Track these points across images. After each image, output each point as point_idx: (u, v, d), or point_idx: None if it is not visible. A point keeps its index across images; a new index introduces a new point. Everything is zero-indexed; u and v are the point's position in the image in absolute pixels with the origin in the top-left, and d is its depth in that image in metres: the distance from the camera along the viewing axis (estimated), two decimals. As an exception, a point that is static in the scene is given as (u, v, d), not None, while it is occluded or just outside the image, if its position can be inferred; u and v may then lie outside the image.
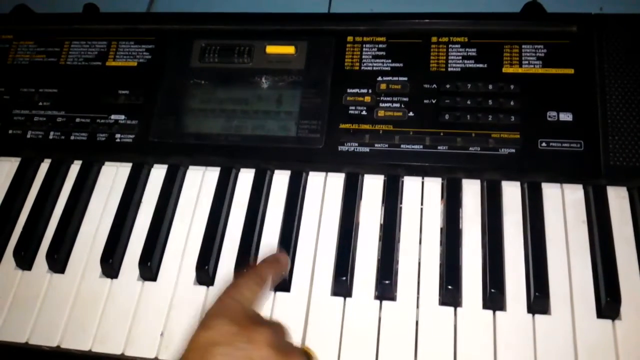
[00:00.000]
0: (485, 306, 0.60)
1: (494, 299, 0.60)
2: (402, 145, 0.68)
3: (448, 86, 0.69)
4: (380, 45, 0.73)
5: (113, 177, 0.73)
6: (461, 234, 0.64)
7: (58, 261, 0.68)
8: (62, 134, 0.74)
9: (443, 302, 0.61)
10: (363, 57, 0.73)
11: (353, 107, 0.70)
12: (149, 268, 0.65)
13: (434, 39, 0.72)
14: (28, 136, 0.75)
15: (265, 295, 0.56)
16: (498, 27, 0.72)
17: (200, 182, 0.72)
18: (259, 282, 0.55)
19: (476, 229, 0.65)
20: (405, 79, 0.71)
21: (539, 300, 0.59)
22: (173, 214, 0.70)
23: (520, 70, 0.69)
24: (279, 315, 0.62)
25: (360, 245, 0.65)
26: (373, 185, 0.69)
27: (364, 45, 0.73)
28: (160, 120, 0.73)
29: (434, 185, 0.68)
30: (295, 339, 0.60)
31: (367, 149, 0.68)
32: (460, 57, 0.71)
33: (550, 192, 0.66)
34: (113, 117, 0.74)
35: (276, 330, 0.50)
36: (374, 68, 0.72)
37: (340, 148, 0.69)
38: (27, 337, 0.64)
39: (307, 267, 0.64)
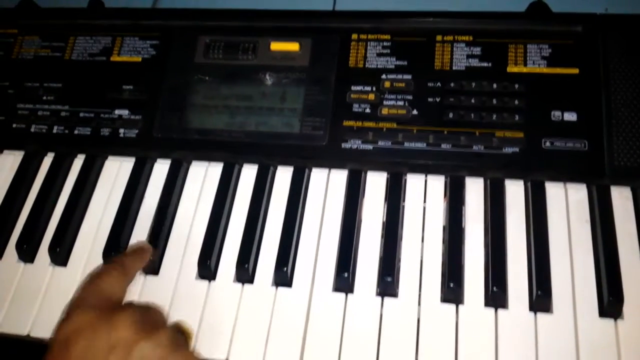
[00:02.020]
0: (487, 304, 0.60)
1: (496, 297, 0.60)
2: (405, 143, 0.68)
3: (452, 85, 0.69)
4: (385, 43, 0.73)
5: (116, 171, 0.73)
6: (464, 232, 0.64)
7: (60, 254, 0.68)
8: (66, 128, 0.75)
9: (445, 299, 0.61)
10: (367, 54, 0.73)
11: (357, 105, 0.70)
12: (151, 262, 0.65)
13: (439, 38, 0.72)
14: (32, 130, 0.75)
15: (128, 282, 0.58)
16: (503, 26, 0.71)
17: (203, 177, 0.72)
18: (120, 270, 0.56)
19: (479, 227, 0.64)
20: (410, 77, 0.71)
21: (541, 298, 0.59)
22: (176, 209, 0.70)
23: (524, 70, 0.69)
24: (280, 310, 0.62)
25: (363, 242, 0.65)
26: (376, 183, 0.69)
27: (369, 43, 0.73)
28: (164, 116, 0.73)
29: (437, 184, 0.68)
30: (296, 334, 0.60)
31: (370, 147, 0.68)
32: (465, 56, 0.71)
33: (554, 191, 0.66)
34: (117, 112, 0.74)
35: (142, 311, 0.51)
36: (378, 66, 0.72)
37: (343, 145, 0.69)
38: (29, 330, 0.64)
39: (309, 262, 0.64)
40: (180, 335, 0.52)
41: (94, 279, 0.55)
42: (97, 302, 0.52)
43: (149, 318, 0.51)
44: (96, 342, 0.47)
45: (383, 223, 0.66)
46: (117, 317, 0.49)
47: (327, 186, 0.69)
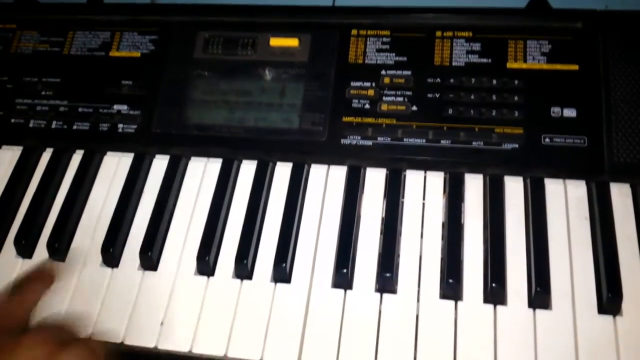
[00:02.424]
0: (486, 300, 0.60)
1: (494, 293, 0.60)
2: (404, 139, 0.67)
3: (452, 80, 0.69)
4: (384, 39, 0.73)
5: (115, 167, 0.73)
6: (463, 229, 0.64)
7: (59, 250, 0.68)
8: (65, 123, 0.74)
9: (444, 295, 0.61)
10: (367, 50, 0.73)
11: (356, 101, 0.70)
12: (150, 257, 0.65)
13: (439, 34, 0.72)
14: (30, 125, 0.75)
15: (31, 307, 0.54)
16: (503, 22, 0.71)
17: (202, 173, 0.72)
18: (18, 297, 0.53)
19: (478, 224, 0.64)
20: (409, 73, 0.71)
21: (540, 295, 0.59)
22: (174, 205, 0.70)
23: (524, 66, 0.69)
24: (279, 305, 0.62)
25: (362, 238, 0.65)
26: (375, 179, 0.69)
27: (368, 39, 0.73)
28: (163, 111, 0.73)
29: (436, 180, 0.68)
30: (295, 330, 0.60)
31: (369, 143, 0.68)
32: (465, 52, 0.70)
33: (553, 187, 0.66)
34: (116, 107, 0.74)
35: (51, 330, 0.49)
36: (378, 62, 0.72)
37: (342, 141, 0.68)
38: (27, 325, 0.64)
39: (308, 258, 0.64)
40: (93, 352, 0.49)
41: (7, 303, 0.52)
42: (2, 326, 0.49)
43: (61, 334, 0.49)
44: None
45: (382, 219, 0.66)
46: (24, 340, 0.47)
47: (326, 182, 0.69)
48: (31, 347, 0.46)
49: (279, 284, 0.63)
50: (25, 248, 0.69)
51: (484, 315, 0.59)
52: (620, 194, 0.65)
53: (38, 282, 0.56)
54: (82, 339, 0.51)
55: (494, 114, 0.67)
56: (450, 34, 0.72)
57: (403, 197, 0.67)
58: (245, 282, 0.64)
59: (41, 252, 0.69)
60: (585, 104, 0.66)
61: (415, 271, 0.62)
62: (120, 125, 0.73)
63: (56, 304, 0.65)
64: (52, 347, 0.47)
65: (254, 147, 0.70)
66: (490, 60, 0.70)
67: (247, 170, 0.71)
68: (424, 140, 0.67)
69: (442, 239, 0.64)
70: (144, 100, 0.74)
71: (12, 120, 0.76)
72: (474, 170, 0.67)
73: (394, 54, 0.72)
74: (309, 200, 0.68)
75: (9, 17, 0.82)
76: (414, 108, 0.69)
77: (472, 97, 0.68)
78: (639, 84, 0.67)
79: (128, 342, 0.62)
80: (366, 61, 0.72)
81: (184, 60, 0.75)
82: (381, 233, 0.65)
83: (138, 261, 0.66)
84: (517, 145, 0.65)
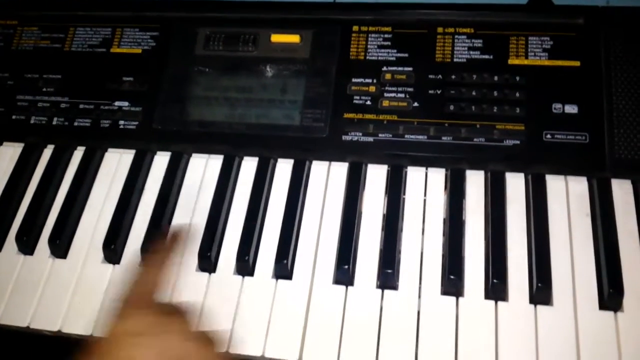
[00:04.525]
0: (487, 296, 0.60)
1: (496, 289, 0.60)
2: (406, 136, 0.68)
3: (453, 77, 0.69)
4: (386, 35, 0.73)
5: (116, 163, 0.73)
6: (464, 225, 0.64)
7: (60, 246, 0.68)
8: (66, 119, 0.74)
9: (445, 291, 0.61)
10: (368, 46, 0.72)
11: (357, 97, 0.70)
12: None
13: (440, 30, 0.72)
14: (32, 121, 0.75)
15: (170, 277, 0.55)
16: (504, 18, 0.71)
17: (204, 169, 0.72)
18: (167, 267, 0.54)
19: (479, 220, 0.64)
20: (411, 69, 0.71)
21: (541, 291, 0.59)
22: (176, 201, 0.70)
23: (526, 62, 0.69)
24: (281, 302, 0.62)
25: (363, 234, 0.65)
26: (376, 175, 0.69)
27: (370, 35, 0.73)
28: (164, 108, 0.73)
29: (437, 176, 0.68)
30: (297, 326, 0.60)
31: (371, 139, 0.68)
32: (466, 48, 0.70)
33: (554, 184, 0.66)
34: (117, 103, 0.74)
35: (189, 316, 0.50)
36: (379, 58, 0.72)
37: (344, 137, 0.68)
38: (29, 322, 0.64)
39: (309, 255, 0.64)
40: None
41: (144, 276, 0.53)
42: (150, 303, 0.50)
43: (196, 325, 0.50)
44: (152, 346, 0.46)
45: (383, 216, 0.66)
46: (173, 324, 0.48)
47: (327, 179, 0.69)
48: (179, 337, 0.47)
49: (280, 281, 0.63)
50: (26, 244, 0.69)
51: (485, 311, 0.59)
52: (621, 190, 0.64)
53: (178, 249, 0.57)
54: (210, 332, 0.50)
55: (495, 110, 0.67)
56: (451, 30, 0.72)
57: (404, 193, 0.67)
58: (247, 278, 0.64)
59: (43, 249, 0.69)
60: (587, 100, 0.66)
61: (416, 267, 0.62)
62: (122, 122, 0.73)
63: (57, 300, 0.65)
64: (194, 341, 0.47)
65: (255, 143, 0.70)
66: (491, 57, 0.70)
67: (249, 166, 0.71)
68: (425, 137, 0.67)
69: (444, 235, 0.64)
70: (145, 97, 0.74)
71: (14, 117, 0.76)
72: (475, 166, 0.67)
73: (395, 50, 0.72)
74: (310, 196, 0.68)
75: (10, 14, 0.82)
76: (415, 104, 0.69)
77: (474, 93, 0.68)
78: (640, 80, 0.67)
79: (130, 338, 0.62)
80: (367, 57, 0.72)
81: (185, 57, 0.75)
82: (382, 229, 0.65)
83: (139, 258, 0.66)
84: (518, 142, 0.65)
